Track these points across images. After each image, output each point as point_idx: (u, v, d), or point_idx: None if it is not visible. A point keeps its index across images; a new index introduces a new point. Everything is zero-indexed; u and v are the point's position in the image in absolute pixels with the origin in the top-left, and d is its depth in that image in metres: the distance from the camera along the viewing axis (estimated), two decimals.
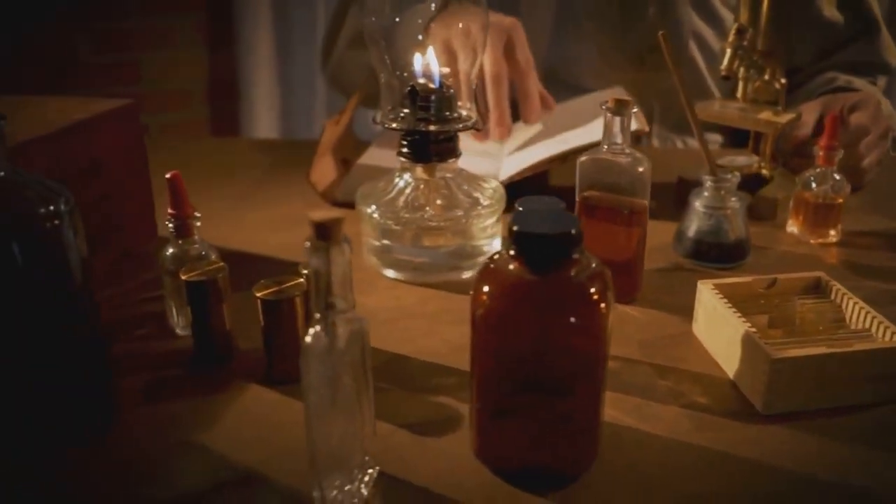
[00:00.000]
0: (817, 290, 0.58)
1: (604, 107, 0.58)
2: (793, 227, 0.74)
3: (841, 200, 0.71)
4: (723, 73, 0.73)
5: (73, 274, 0.46)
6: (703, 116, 0.80)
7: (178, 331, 0.59)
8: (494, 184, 0.68)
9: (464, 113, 0.65)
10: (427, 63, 0.64)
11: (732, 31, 0.73)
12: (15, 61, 1.58)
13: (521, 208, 0.51)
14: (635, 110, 0.58)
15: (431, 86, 0.64)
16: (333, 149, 0.82)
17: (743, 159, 0.81)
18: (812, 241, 0.72)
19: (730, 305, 0.54)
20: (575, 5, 0.96)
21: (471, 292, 0.43)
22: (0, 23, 1.60)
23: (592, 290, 0.42)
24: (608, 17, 0.97)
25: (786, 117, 0.76)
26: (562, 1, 0.97)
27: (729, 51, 0.73)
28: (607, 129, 0.59)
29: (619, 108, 0.58)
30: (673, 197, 0.81)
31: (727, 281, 0.57)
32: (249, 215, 0.80)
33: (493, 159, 0.83)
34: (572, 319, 0.41)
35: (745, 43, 0.73)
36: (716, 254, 0.67)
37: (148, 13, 1.79)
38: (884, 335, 0.52)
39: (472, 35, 0.68)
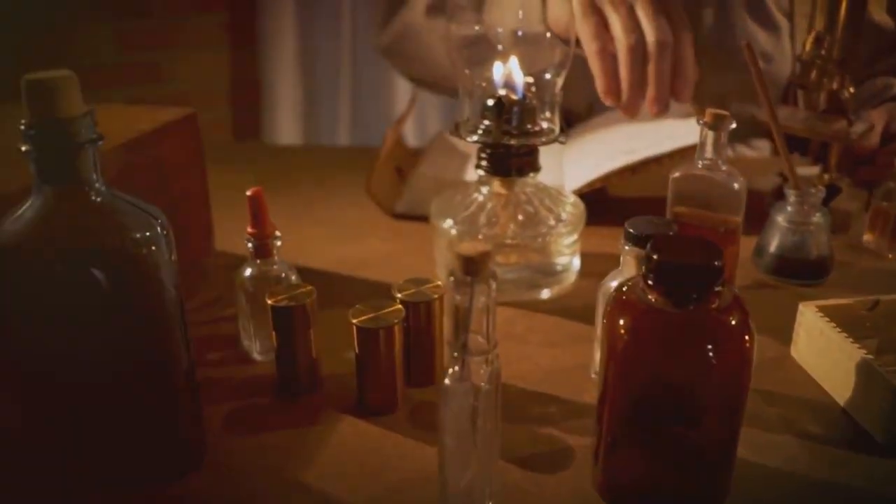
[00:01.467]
0: None
1: (700, 122, 0.56)
2: (869, 241, 0.72)
3: None
4: (799, 83, 0.71)
5: (169, 301, 0.43)
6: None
7: (256, 355, 0.56)
8: (573, 199, 0.66)
9: (545, 125, 0.63)
10: (509, 73, 0.61)
11: (810, 40, 0.72)
12: (34, 59, 1.53)
13: (632, 230, 0.49)
14: (734, 125, 0.56)
15: (513, 97, 0.61)
16: (387, 158, 0.79)
17: (810, 170, 0.79)
18: (890, 256, 0.71)
19: (839, 330, 0.52)
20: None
21: (602, 321, 0.41)
22: (19, 20, 1.55)
23: (735, 321, 0.40)
24: None
25: (859, 126, 0.74)
26: None
27: (807, 60, 0.71)
28: (702, 144, 0.57)
29: (716, 122, 0.56)
30: None
31: (829, 303, 0.55)
32: (308, 229, 0.77)
33: (551, 169, 0.80)
34: (712, 354, 0.39)
35: (823, 52, 0.71)
36: (799, 270, 0.65)
37: (169, 12, 1.75)
38: None
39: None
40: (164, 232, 0.42)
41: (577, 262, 0.66)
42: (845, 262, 0.70)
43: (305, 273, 0.67)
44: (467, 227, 0.61)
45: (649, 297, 0.39)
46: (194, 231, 0.69)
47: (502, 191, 0.63)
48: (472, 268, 0.34)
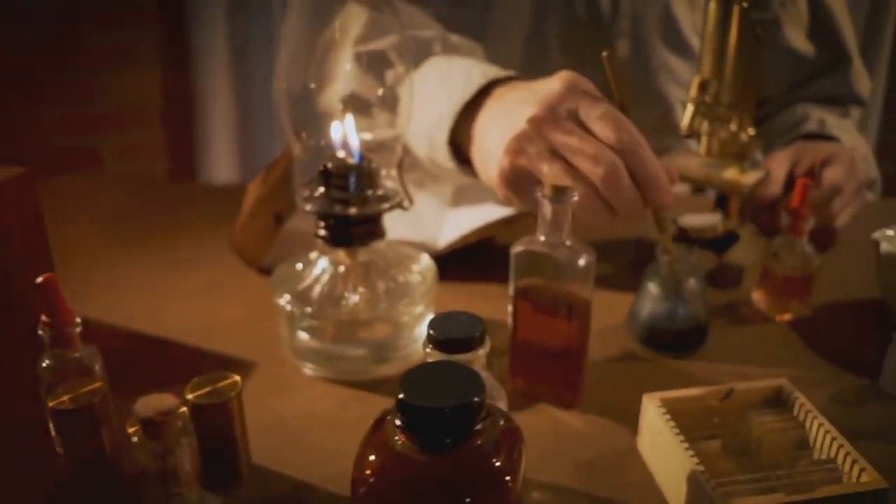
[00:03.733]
0: (779, 401, 0.52)
1: (539, 194, 0.51)
2: (759, 300, 0.67)
3: (811, 273, 0.65)
4: (684, 132, 0.66)
5: None
6: None
7: (59, 448, 0.52)
8: (425, 263, 0.61)
9: (390, 185, 0.58)
10: (345, 133, 0.57)
11: (695, 85, 0.66)
12: None
13: (433, 332, 0.44)
14: (576, 197, 0.51)
15: (350, 161, 0.56)
16: (264, 203, 0.74)
17: (707, 218, 0.74)
18: (777, 318, 0.66)
19: (677, 431, 0.47)
20: (545, 39, 0.89)
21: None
22: None
23: (501, 462, 0.35)
24: (578, 52, 0.90)
25: (752, 177, 0.69)
26: (531, 35, 0.89)
27: (691, 107, 0.66)
28: (543, 218, 0.52)
29: (558, 195, 0.51)
30: (630, 262, 0.74)
31: (675, 395, 0.51)
32: (171, 283, 0.72)
33: (431, 221, 0.75)
34: None
35: (709, 98, 0.66)
36: (671, 341, 0.60)
37: (101, 29, 1.69)
38: (850, 469, 0.45)
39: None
40: None
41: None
42: (729, 326, 0.65)
43: (146, 343, 0.63)
44: (304, 304, 0.57)
45: (396, 438, 0.35)
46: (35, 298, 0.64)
47: (346, 260, 0.58)
48: (154, 431, 0.30)
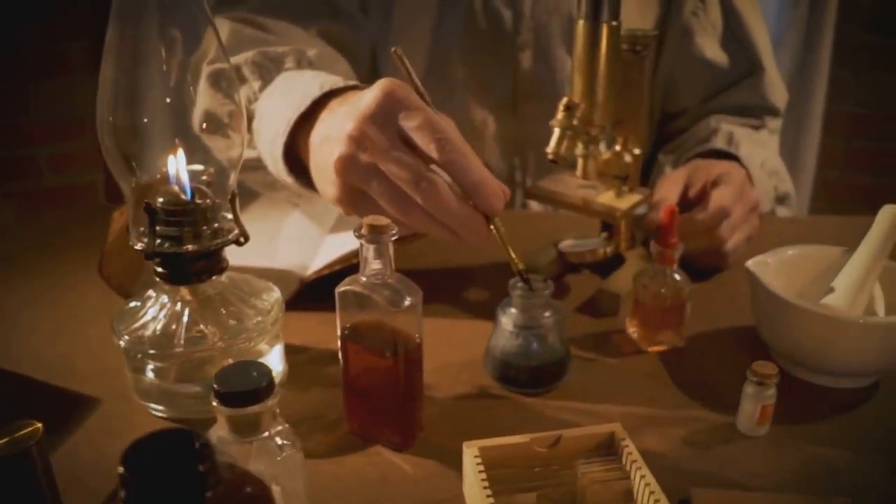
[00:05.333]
0: (610, 449, 0.50)
1: (356, 234, 0.49)
2: (631, 330, 0.65)
3: (683, 302, 0.63)
4: (550, 157, 0.64)
5: None
6: (534, 198, 0.71)
7: None
8: (272, 296, 0.59)
9: (228, 216, 0.57)
10: (178, 169, 0.55)
11: (560, 108, 0.64)
12: None
13: (217, 386, 0.42)
14: (394, 235, 0.49)
15: (183, 197, 0.55)
16: (116, 242, 0.72)
17: (589, 241, 0.72)
18: (649, 350, 0.64)
19: (486, 484, 0.45)
20: (447, 52, 0.87)
21: None
22: None
23: None
24: (480, 65, 0.88)
25: (629, 201, 0.66)
26: (433, 48, 0.87)
27: (557, 131, 0.64)
28: (364, 258, 0.50)
29: (374, 234, 0.49)
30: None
31: (498, 442, 0.49)
32: (34, 314, 0.70)
33: (299, 247, 0.73)
34: None
35: (576, 121, 0.63)
36: (526, 378, 0.58)
37: (36, 40, 1.67)
38: None
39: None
40: None
41: (279, 368, 0.59)
42: (597, 358, 0.63)
43: (10, 384, 0.61)
44: (139, 343, 0.55)
45: None
46: None
47: (186, 297, 0.57)
48: None
